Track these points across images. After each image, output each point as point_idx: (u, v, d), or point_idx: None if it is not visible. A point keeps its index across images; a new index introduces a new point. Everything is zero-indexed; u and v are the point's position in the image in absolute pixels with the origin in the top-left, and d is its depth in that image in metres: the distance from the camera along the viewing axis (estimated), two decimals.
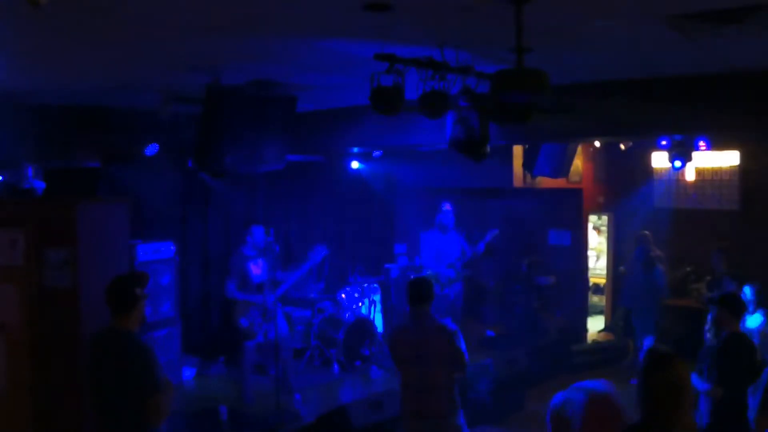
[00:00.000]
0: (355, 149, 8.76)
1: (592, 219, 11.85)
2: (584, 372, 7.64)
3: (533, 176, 9.20)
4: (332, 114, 7.67)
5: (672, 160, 8.89)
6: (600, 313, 11.78)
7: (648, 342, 8.45)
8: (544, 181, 9.66)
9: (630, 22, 3.90)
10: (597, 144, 9.80)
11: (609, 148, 10.23)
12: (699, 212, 10.07)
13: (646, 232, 9.34)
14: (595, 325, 11.29)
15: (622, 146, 9.58)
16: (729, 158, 9.85)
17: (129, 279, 4.13)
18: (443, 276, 9.01)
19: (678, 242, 9.90)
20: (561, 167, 8.93)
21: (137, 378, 3.78)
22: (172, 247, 7.59)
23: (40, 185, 6.06)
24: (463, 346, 4.81)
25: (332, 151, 8.70)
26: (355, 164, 10.35)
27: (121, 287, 4.00)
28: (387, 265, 10.73)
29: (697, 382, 4.99)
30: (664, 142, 8.74)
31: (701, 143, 8.85)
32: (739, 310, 5.20)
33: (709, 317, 6.05)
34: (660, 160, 10.25)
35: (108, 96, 6.45)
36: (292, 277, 7.92)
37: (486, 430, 6.75)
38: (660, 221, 10.08)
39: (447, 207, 9.10)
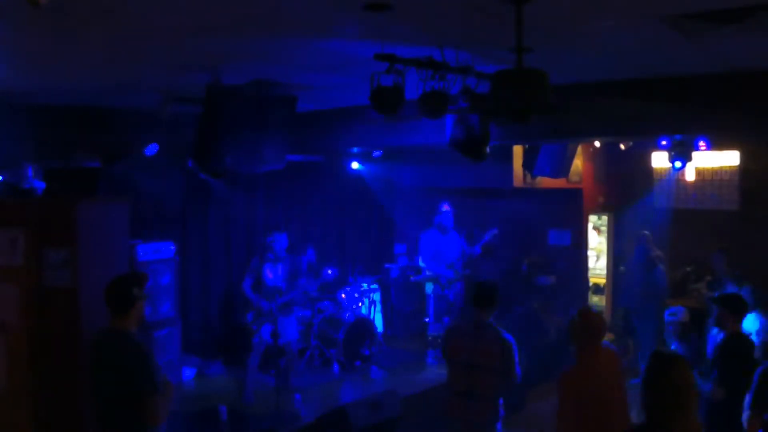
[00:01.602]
0: (355, 149, 8.76)
1: (592, 219, 11.84)
2: None
3: (533, 176, 9.19)
4: (332, 114, 7.67)
5: (672, 160, 8.89)
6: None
7: (647, 343, 8.46)
8: (544, 181, 9.65)
9: (630, 22, 3.89)
10: (597, 144, 9.80)
11: (609, 148, 10.22)
12: (699, 212, 10.07)
13: (646, 232, 9.33)
14: None
15: (622, 146, 9.57)
16: (729, 158, 9.85)
17: (128, 279, 4.13)
18: (443, 277, 9.01)
19: (678, 242, 9.89)
20: (561, 167, 8.93)
21: (135, 378, 3.78)
22: (172, 247, 7.59)
23: (40, 185, 6.05)
24: (516, 358, 4.78)
25: (332, 151, 8.70)
26: (355, 164, 10.35)
27: (120, 287, 3.99)
28: (387, 265, 10.74)
29: (698, 382, 4.99)
30: (664, 142, 8.74)
31: (701, 143, 8.85)
32: (740, 310, 5.19)
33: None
34: (660, 160, 10.25)
35: (108, 96, 6.45)
36: (298, 289, 8.09)
37: None
38: (660, 221, 10.08)
39: (446, 207, 9.11)
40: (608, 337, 10.42)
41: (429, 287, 9.23)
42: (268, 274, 7.56)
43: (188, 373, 8.21)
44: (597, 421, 4.03)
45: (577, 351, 4.20)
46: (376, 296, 9.98)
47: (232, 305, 7.74)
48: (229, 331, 8.60)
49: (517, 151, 9.53)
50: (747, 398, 4.42)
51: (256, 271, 7.60)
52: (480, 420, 4.77)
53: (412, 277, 10.10)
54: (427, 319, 9.43)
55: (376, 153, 9.44)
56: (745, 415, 4.33)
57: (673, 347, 5.98)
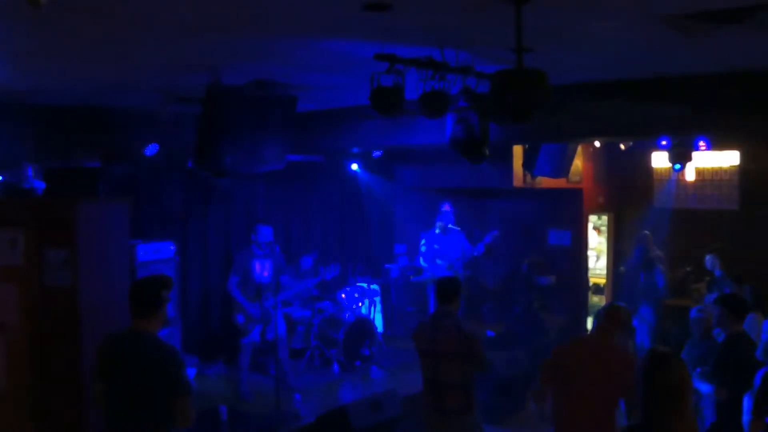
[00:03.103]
0: (355, 149, 8.76)
1: (592, 219, 11.84)
2: None
3: (533, 176, 9.19)
4: (332, 114, 7.67)
5: (672, 161, 8.89)
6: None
7: (647, 343, 8.46)
8: (544, 181, 9.65)
9: (630, 22, 3.90)
10: (597, 144, 9.80)
11: (609, 148, 10.22)
12: (699, 212, 10.07)
13: (646, 232, 9.33)
14: None
15: (622, 146, 9.58)
16: (729, 158, 9.85)
17: (156, 282, 4.09)
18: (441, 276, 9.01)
19: (678, 242, 9.89)
20: (561, 167, 8.93)
21: (169, 380, 3.75)
22: (172, 247, 7.59)
23: (40, 185, 6.05)
24: (480, 345, 4.89)
25: (332, 151, 8.71)
26: (354, 165, 10.35)
27: (147, 290, 3.97)
28: (387, 265, 10.74)
29: (699, 383, 4.99)
30: (664, 142, 8.74)
31: (701, 143, 8.85)
32: (740, 310, 5.19)
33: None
34: (660, 160, 10.24)
35: (108, 96, 6.45)
36: (297, 287, 8.04)
37: (486, 430, 6.76)
38: (660, 221, 10.08)
39: (447, 207, 9.11)
40: None
41: (430, 287, 9.23)
42: (257, 269, 7.48)
43: (188, 373, 8.20)
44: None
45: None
46: (376, 296, 9.97)
47: (230, 301, 7.74)
48: (229, 331, 8.60)
49: (517, 151, 9.53)
50: (746, 400, 4.42)
51: (242, 267, 7.49)
52: (452, 408, 4.88)
53: (412, 278, 10.09)
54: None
55: (376, 153, 9.45)
56: (746, 419, 4.32)
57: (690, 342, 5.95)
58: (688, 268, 9.74)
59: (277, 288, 7.36)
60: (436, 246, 9.10)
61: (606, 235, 11.85)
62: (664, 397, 2.73)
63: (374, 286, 9.93)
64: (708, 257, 8.24)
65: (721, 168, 9.94)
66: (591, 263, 11.86)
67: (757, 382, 4.30)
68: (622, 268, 10.30)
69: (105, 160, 7.06)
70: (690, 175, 10.07)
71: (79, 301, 5.07)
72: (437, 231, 9.13)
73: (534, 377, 6.30)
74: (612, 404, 4.17)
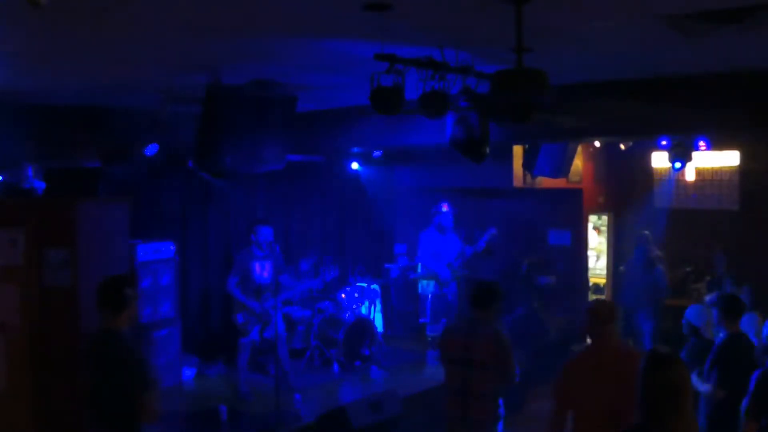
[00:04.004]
0: (355, 149, 8.76)
1: (592, 219, 11.84)
2: None
3: (533, 176, 9.19)
4: (332, 114, 7.67)
5: (672, 160, 8.90)
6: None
7: (647, 343, 8.46)
8: (544, 181, 9.65)
9: (630, 22, 3.90)
10: (597, 144, 9.81)
11: (609, 148, 10.23)
12: (699, 212, 10.07)
13: (646, 232, 9.34)
14: None
15: (622, 146, 9.58)
16: (729, 158, 9.85)
17: (118, 280, 4.15)
18: (441, 276, 9.01)
19: (678, 242, 9.90)
20: (561, 167, 8.93)
21: (128, 376, 3.82)
22: (172, 247, 7.59)
23: (40, 185, 6.06)
24: (513, 356, 4.74)
25: (332, 151, 8.71)
26: (354, 164, 10.35)
27: (112, 288, 4.03)
28: (387, 265, 10.73)
29: (697, 382, 4.99)
30: (664, 142, 8.75)
31: (701, 143, 8.86)
32: (738, 310, 5.19)
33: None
34: (660, 160, 10.25)
35: (108, 96, 6.45)
36: (298, 288, 8.03)
37: None
38: (660, 221, 10.08)
39: (445, 207, 9.10)
40: None
41: (424, 287, 9.21)
42: (257, 269, 7.46)
43: (188, 373, 8.21)
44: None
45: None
46: (376, 297, 9.96)
47: (230, 301, 7.74)
48: (229, 331, 8.60)
49: (517, 151, 9.54)
50: (744, 402, 4.41)
51: (242, 267, 7.46)
52: (478, 417, 4.75)
53: (411, 276, 10.10)
54: (422, 320, 9.42)
55: (376, 153, 9.44)
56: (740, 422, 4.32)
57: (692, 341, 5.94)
58: (688, 268, 9.75)
59: (277, 288, 7.35)
60: (433, 245, 9.09)
61: (606, 235, 11.85)
62: (664, 396, 2.73)
63: (374, 286, 9.93)
64: (716, 256, 8.25)
65: (721, 168, 9.94)
66: (591, 263, 11.86)
67: (751, 384, 4.29)
68: (622, 268, 10.30)
69: (105, 160, 7.07)
70: (690, 175, 10.08)
71: (79, 301, 5.08)
72: (435, 230, 9.13)
73: (534, 377, 6.26)
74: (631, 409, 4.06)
